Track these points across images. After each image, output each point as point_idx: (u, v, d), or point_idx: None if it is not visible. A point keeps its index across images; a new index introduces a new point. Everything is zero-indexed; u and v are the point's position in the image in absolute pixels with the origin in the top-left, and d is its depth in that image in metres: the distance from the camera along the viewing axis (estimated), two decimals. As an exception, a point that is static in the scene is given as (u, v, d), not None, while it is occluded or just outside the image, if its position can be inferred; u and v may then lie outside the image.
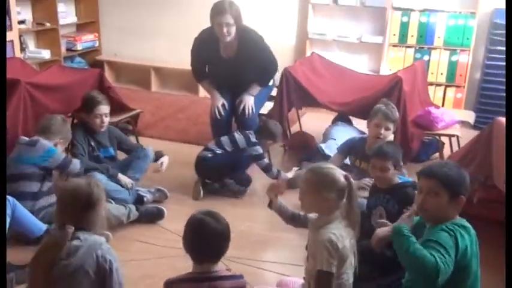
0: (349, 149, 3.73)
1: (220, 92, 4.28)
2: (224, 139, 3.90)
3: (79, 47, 6.54)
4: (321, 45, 6.06)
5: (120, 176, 3.59)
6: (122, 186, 3.56)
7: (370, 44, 5.92)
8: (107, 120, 3.66)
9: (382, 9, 5.76)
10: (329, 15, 6.10)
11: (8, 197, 2.84)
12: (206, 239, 2.08)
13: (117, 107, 4.23)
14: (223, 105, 4.22)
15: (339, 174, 2.21)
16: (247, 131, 3.94)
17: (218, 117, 4.19)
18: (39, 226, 3.02)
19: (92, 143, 3.66)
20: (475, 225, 2.17)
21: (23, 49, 5.70)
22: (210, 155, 3.83)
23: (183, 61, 6.59)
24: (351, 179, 2.22)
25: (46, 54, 6.00)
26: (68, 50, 6.45)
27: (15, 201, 2.92)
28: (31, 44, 6.07)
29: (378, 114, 3.53)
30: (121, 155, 3.96)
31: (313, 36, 6.09)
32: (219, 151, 3.84)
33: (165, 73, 6.73)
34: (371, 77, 5.08)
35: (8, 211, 2.81)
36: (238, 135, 3.91)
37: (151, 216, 3.50)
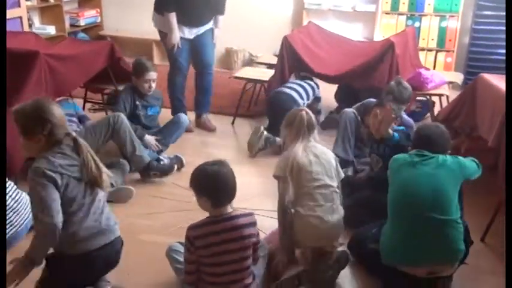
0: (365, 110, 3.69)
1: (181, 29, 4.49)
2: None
3: (82, 22, 6.76)
4: (317, 14, 6.30)
5: (147, 137, 3.96)
6: (146, 147, 3.90)
7: (364, 12, 6.18)
8: (154, 85, 4.05)
9: (374, -21, 6.00)
10: (324, -14, 6.31)
11: None
12: (223, 184, 2.37)
13: (127, 76, 4.47)
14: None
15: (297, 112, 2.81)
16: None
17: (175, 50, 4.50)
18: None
19: (137, 102, 4.06)
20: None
21: (29, 25, 5.91)
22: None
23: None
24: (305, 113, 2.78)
25: (51, 30, 6.22)
26: (71, 25, 6.66)
27: None
28: (36, 20, 6.28)
29: (388, 96, 3.38)
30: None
31: (309, 6, 6.32)
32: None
33: (167, 46, 6.94)
34: (365, 43, 5.33)
35: None
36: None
37: (162, 170, 3.80)
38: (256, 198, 3.54)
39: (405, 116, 3.64)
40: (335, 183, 2.74)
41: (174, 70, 4.62)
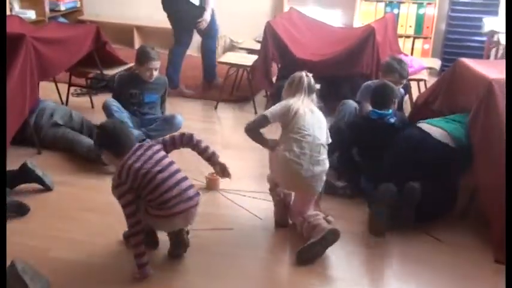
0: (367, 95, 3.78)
1: None
2: None
3: (62, 7, 6.71)
4: (297, 0, 6.37)
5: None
6: None
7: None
8: (155, 73, 4.02)
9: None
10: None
11: None
12: (124, 134, 2.71)
13: (112, 60, 4.50)
14: None
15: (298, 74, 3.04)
16: None
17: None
18: None
19: (132, 91, 4.04)
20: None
21: (10, 10, 5.84)
22: None
23: (164, 19, 6.85)
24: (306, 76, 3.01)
25: (31, 14, 6.16)
26: (51, 10, 6.59)
27: None
28: (16, 5, 6.21)
29: (394, 74, 3.80)
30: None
31: (290, -7, 6.39)
32: None
33: (148, 32, 6.95)
34: (346, 29, 5.43)
35: None
36: None
37: None
38: (241, 180, 3.62)
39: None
40: (323, 140, 2.94)
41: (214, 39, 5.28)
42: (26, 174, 3.36)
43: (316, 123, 2.94)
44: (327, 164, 2.96)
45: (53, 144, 3.93)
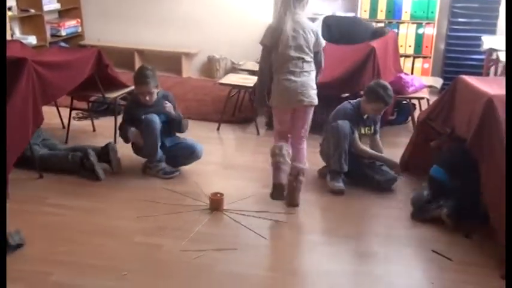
0: (344, 117, 3.84)
1: None
2: None
3: (63, 32, 6.76)
4: (296, 23, 6.41)
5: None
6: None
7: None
8: (153, 97, 3.88)
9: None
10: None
11: None
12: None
13: (114, 84, 4.52)
14: None
15: None
16: None
17: None
18: None
19: (138, 113, 3.87)
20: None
21: (11, 35, 5.89)
22: None
23: (165, 43, 6.94)
24: None
25: (32, 39, 6.20)
26: (52, 35, 6.65)
27: None
28: (17, 30, 6.26)
29: (378, 102, 3.75)
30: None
31: (289, 15, 6.44)
32: None
33: (148, 55, 7.01)
34: (346, 48, 5.41)
35: None
36: None
37: None
38: (244, 200, 3.61)
39: None
40: (308, 56, 3.38)
41: None
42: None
43: (303, 42, 3.34)
44: (311, 74, 3.41)
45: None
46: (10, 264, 2.66)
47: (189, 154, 4.00)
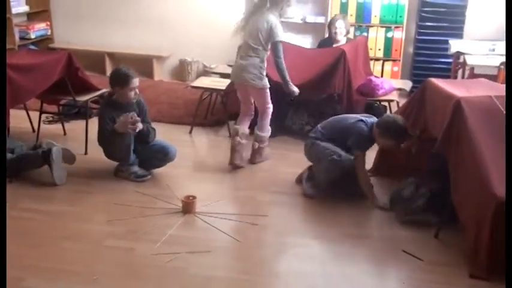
0: (358, 142, 3.72)
1: None
2: None
3: (32, 35, 6.66)
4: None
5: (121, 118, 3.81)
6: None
7: (314, 24, 6.40)
8: (137, 92, 3.89)
9: (323, -9, 6.24)
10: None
11: None
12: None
13: (85, 87, 4.46)
14: None
15: None
16: None
17: None
18: None
19: (116, 118, 3.79)
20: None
21: (-22, 38, 5.77)
22: None
23: (136, 46, 6.90)
24: None
25: (1, 42, 6.08)
26: (21, 38, 6.54)
27: None
28: (-15, 33, 6.13)
29: (391, 141, 3.60)
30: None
31: (261, 18, 6.47)
32: None
33: (119, 58, 6.94)
34: (316, 51, 5.47)
35: None
36: None
37: None
38: (217, 203, 3.61)
39: None
40: (257, 44, 4.03)
41: None
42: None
43: (253, 30, 4.01)
44: (252, 60, 4.04)
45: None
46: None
47: (163, 156, 3.97)
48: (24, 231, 3.19)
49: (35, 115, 4.70)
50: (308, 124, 4.81)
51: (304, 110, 4.92)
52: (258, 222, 3.38)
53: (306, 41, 6.50)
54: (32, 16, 6.90)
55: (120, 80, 3.83)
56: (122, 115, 3.76)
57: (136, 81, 3.87)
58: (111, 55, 6.92)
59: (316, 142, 3.76)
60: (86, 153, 4.34)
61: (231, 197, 3.77)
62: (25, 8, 6.68)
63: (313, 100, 4.76)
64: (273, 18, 4.00)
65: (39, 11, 6.88)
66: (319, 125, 3.90)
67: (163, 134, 4.30)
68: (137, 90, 3.91)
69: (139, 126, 3.78)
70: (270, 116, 4.26)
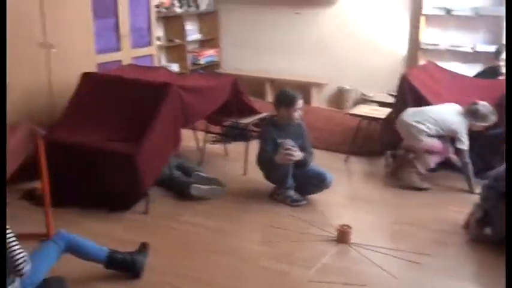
0: None
1: None
2: None
3: (202, 61, 7.19)
4: (433, 55, 6.17)
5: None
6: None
7: (485, 53, 5.96)
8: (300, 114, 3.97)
9: (497, 18, 5.80)
10: (442, 26, 6.22)
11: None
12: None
13: (247, 110, 4.66)
14: None
15: None
16: None
17: None
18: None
19: (280, 140, 3.87)
20: None
21: (158, 62, 6.37)
22: None
23: (296, 73, 7.07)
24: None
25: (175, 67, 6.66)
26: (192, 63, 7.09)
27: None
28: (163, 58, 6.77)
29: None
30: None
31: (426, 47, 6.23)
32: None
33: (279, 84, 7.13)
34: (487, 82, 5.08)
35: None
36: None
37: None
38: (372, 234, 3.49)
39: None
40: None
41: None
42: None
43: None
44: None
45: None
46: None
47: (319, 182, 3.96)
48: (183, 242, 3.38)
49: (200, 135, 5.02)
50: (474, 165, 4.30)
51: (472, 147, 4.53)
52: (419, 260, 3.17)
53: (476, 71, 6.07)
54: (203, 43, 7.46)
55: (286, 100, 3.92)
56: (281, 145, 3.83)
57: (301, 103, 3.95)
58: (272, 81, 7.16)
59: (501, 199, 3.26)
60: (244, 173, 4.51)
61: (389, 230, 3.61)
62: (198, 36, 7.25)
63: (484, 135, 4.38)
64: None
65: (209, 39, 7.41)
66: (494, 173, 3.54)
67: (319, 160, 4.29)
68: (301, 112, 3.96)
69: (298, 156, 3.83)
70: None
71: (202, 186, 4.02)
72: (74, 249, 2.75)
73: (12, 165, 2.73)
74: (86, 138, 3.81)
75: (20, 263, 2.40)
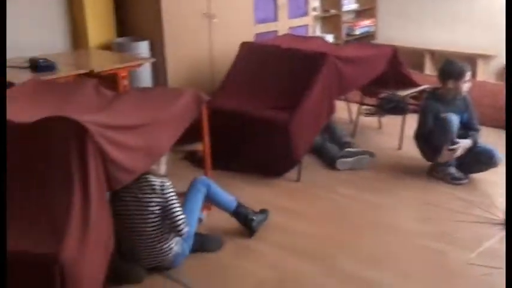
0: None
1: None
2: None
3: (357, 32, 6.98)
4: None
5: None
6: None
7: None
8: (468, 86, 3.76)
9: None
10: None
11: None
12: None
13: (405, 82, 4.43)
14: None
15: None
16: None
17: None
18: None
19: (441, 115, 3.67)
20: None
21: (312, 32, 6.34)
22: None
23: (460, 44, 6.54)
24: None
25: (330, 38, 6.56)
26: (347, 34, 6.93)
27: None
28: (317, 29, 6.73)
29: None
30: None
31: None
32: None
33: (440, 56, 6.68)
34: None
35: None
36: None
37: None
38: None
39: None
40: None
41: None
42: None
43: None
44: None
45: None
46: (296, 239, 2.88)
47: (486, 159, 3.65)
48: (339, 213, 3.37)
49: (353, 107, 4.91)
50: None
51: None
52: None
53: None
54: (359, 13, 7.24)
55: (455, 72, 3.68)
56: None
57: (470, 74, 3.69)
58: (432, 53, 6.72)
59: None
60: (399, 148, 4.32)
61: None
62: (354, 6, 7.05)
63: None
64: None
65: (366, 9, 7.16)
66: None
67: (485, 138, 3.94)
68: (469, 84, 3.71)
69: (463, 147, 3.66)
70: None
71: (349, 159, 3.95)
72: (211, 196, 2.97)
73: (180, 128, 2.83)
74: (243, 105, 3.94)
75: (180, 224, 2.59)
